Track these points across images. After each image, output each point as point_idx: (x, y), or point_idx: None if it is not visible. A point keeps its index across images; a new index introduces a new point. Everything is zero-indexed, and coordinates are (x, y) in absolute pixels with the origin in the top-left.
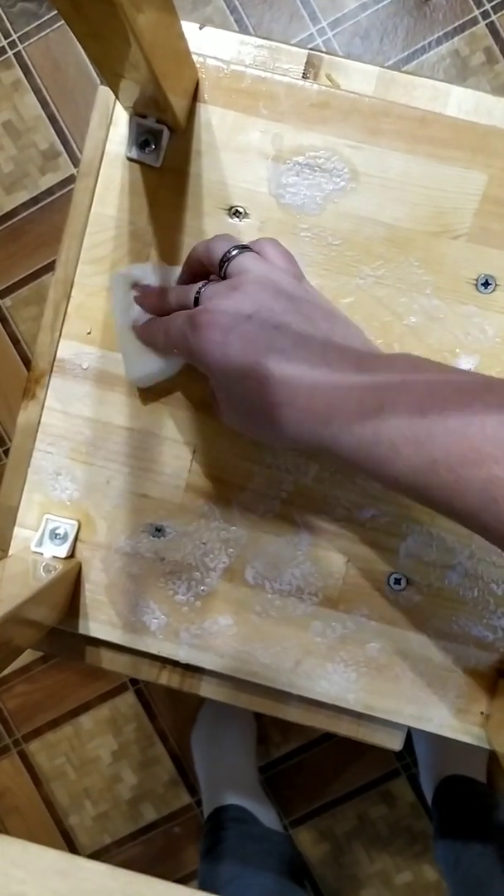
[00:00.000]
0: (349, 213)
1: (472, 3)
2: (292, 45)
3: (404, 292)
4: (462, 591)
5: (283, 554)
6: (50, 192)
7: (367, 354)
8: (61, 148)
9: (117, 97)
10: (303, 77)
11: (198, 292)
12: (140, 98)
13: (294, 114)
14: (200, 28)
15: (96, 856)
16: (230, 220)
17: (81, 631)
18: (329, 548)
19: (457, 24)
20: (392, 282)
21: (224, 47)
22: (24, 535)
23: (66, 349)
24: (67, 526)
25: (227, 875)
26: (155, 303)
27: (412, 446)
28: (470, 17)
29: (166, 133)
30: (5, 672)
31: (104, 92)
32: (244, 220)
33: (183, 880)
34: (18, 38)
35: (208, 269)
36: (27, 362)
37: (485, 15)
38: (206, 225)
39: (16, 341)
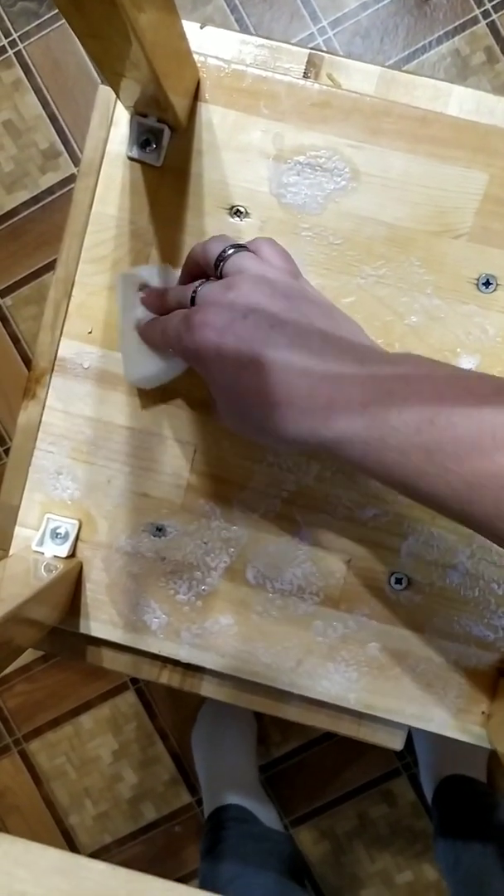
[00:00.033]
0: (350, 212)
1: (472, 2)
2: (293, 44)
3: (405, 292)
4: (463, 590)
5: (284, 553)
6: (50, 191)
7: (368, 353)
8: (62, 147)
9: (118, 96)
10: (304, 76)
11: (194, 291)
12: (141, 97)
13: (295, 113)
14: (201, 27)
15: (97, 855)
16: (231, 220)
17: (82, 630)
18: (330, 547)
19: (457, 23)
20: (393, 281)
21: (225, 47)
22: (25, 535)
23: (67, 348)
24: (68, 525)
25: (228, 874)
26: (156, 302)
27: (421, 451)
28: (470, 16)
29: (167, 132)
30: (6, 671)
31: (105, 91)
32: (245, 219)
33: (183, 879)
34: (19, 37)
35: (205, 270)
36: (27, 362)
37: (485, 14)
38: (207, 224)
39: (16, 340)
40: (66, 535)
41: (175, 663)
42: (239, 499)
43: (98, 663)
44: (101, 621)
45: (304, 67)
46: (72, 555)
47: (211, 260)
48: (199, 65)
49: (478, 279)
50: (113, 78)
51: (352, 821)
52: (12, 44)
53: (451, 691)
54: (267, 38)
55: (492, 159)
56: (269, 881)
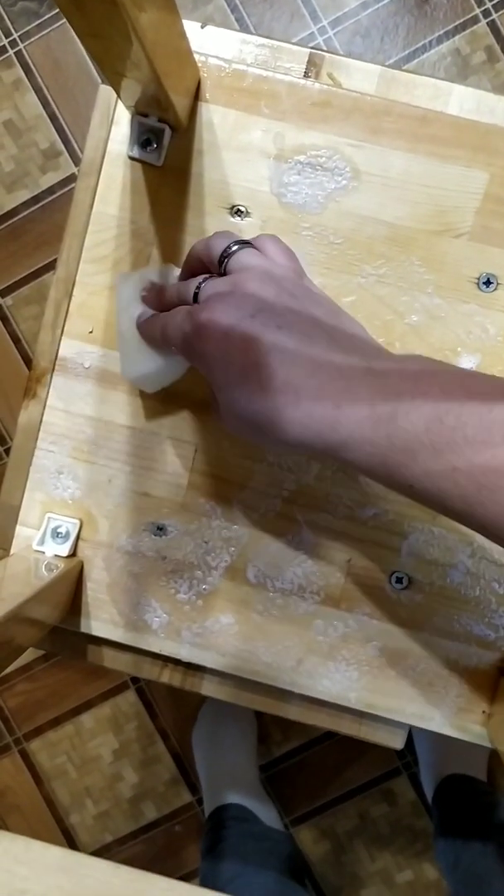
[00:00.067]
0: (351, 211)
1: (472, 1)
2: (293, 43)
3: (406, 291)
4: (464, 589)
5: (284, 552)
6: (51, 191)
7: (374, 354)
8: (62, 147)
9: (119, 96)
10: (304, 76)
11: (197, 287)
12: (142, 97)
13: (296, 113)
14: (202, 27)
15: (97, 854)
16: (232, 219)
17: (83, 629)
18: (331, 546)
19: (458, 22)
20: (394, 280)
21: (226, 46)
22: (25, 534)
23: (67, 348)
24: (69, 524)
25: (229, 874)
26: (156, 299)
27: (430, 453)
28: (471, 15)
29: (168, 132)
30: (7, 670)
31: (105, 91)
32: (246, 219)
33: (184, 879)
34: (19, 36)
35: (208, 267)
36: (28, 361)
37: (486, 13)
38: (208, 224)
39: (17, 340)
40: (67, 535)
41: (176, 662)
42: (239, 498)
43: (99, 662)
44: (101, 620)
45: (304, 67)
46: (72, 554)
47: (215, 256)
48: (199, 64)
49: (478, 278)
50: (114, 77)
51: (352, 820)
52: (13, 43)
53: (451, 690)
54: (267, 37)
55: (492, 158)
56: (270, 880)
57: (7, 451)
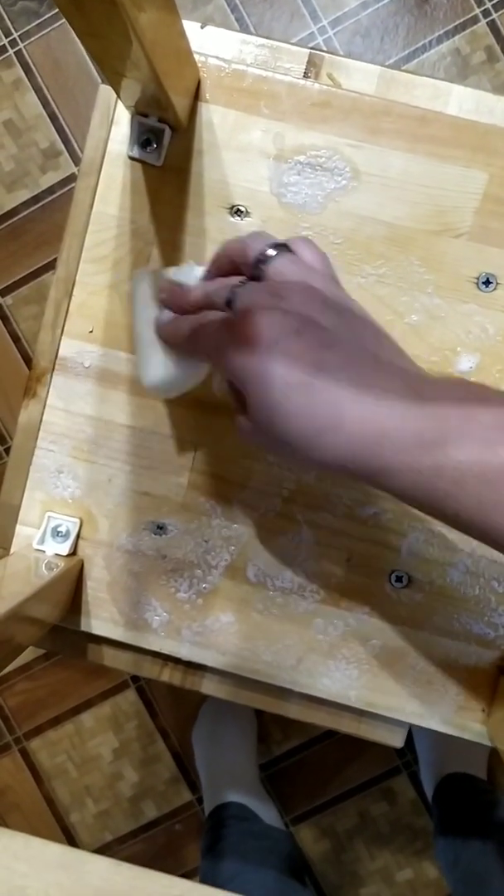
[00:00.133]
0: (350, 211)
1: (472, 1)
2: (293, 44)
3: (405, 291)
4: (463, 588)
5: (284, 551)
6: (51, 190)
7: (418, 378)
8: (62, 147)
9: (119, 96)
10: (304, 76)
11: (232, 292)
12: (142, 97)
13: (295, 113)
14: (202, 27)
15: (98, 853)
16: (231, 219)
17: (83, 628)
18: (331, 545)
19: (457, 22)
20: (393, 280)
21: (225, 46)
22: (26, 533)
23: (67, 347)
24: (69, 524)
25: (229, 872)
26: (180, 300)
27: (479, 483)
28: (471, 15)
29: (168, 132)
30: (7, 670)
31: (105, 91)
32: (245, 218)
33: (184, 877)
34: (19, 36)
35: (238, 269)
36: (28, 361)
37: (485, 13)
38: (208, 224)
39: (17, 339)
40: (67, 534)
41: (176, 661)
42: (240, 497)
43: (99, 661)
44: (102, 619)
45: (304, 67)
46: (73, 553)
47: (250, 259)
48: (199, 64)
49: (478, 278)
50: (113, 77)
51: (352, 819)
52: (13, 43)
53: (451, 689)
54: (267, 37)
55: (491, 158)
56: (270, 879)
57: (7, 451)
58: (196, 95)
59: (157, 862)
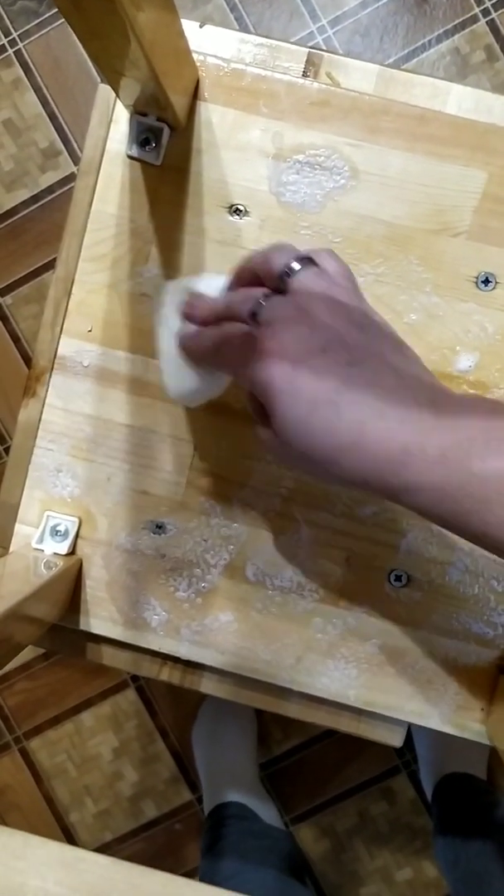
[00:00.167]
0: (349, 211)
1: (472, 0)
2: (292, 43)
3: (404, 290)
4: (462, 587)
5: (283, 551)
6: (50, 190)
7: (441, 394)
8: (61, 146)
9: (118, 95)
10: (303, 75)
11: (255, 305)
12: (140, 96)
13: (294, 112)
14: (201, 26)
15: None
16: (230, 218)
17: (82, 627)
18: (330, 544)
19: (457, 21)
20: (392, 280)
21: (224, 45)
22: (24, 532)
23: (66, 346)
24: (68, 523)
25: (228, 871)
26: (202, 313)
27: None
28: (470, 14)
29: (167, 131)
30: (6, 669)
31: (104, 90)
32: (244, 217)
33: (184, 877)
34: (18, 36)
35: (261, 280)
36: (28, 360)
37: (485, 13)
38: (207, 223)
39: (16, 339)
40: (66, 533)
41: (175, 660)
42: (239, 496)
43: (98, 660)
44: (101, 618)
45: (303, 66)
46: (71, 552)
47: (275, 272)
48: (198, 63)
49: (476, 277)
50: (112, 77)
51: (352, 818)
52: (12, 42)
53: (450, 688)
54: (266, 36)
55: (490, 157)
56: (269, 878)
57: (7, 450)
58: (195, 94)
59: (157, 861)
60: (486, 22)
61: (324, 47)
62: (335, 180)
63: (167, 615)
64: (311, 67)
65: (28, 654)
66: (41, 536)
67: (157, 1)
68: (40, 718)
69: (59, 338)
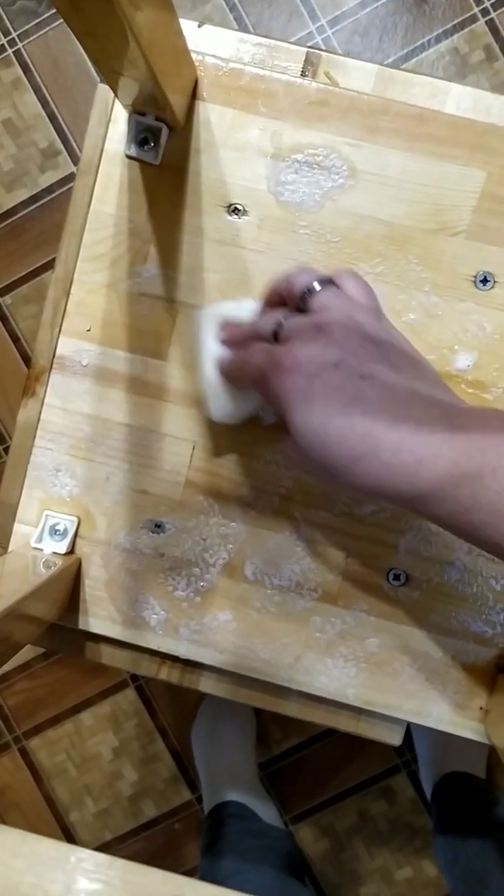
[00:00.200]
0: (348, 210)
1: (471, 0)
2: (291, 43)
3: (403, 289)
4: (461, 586)
5: (282, 550)
6: (49, 190)
7: (455, 408)
8: (61, 146)
9: (116, 95)
10: (301, 75)
11: (278, 325)
12: (139, 96)
13: (293, 111)
14: (199, 26)
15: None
16: (229, 218)
17: (81, 626)
18: (328, 543)
19: (456, 21)
20: (391, 279)
21: (223, 45)
22: (23, 532)
23: (65, 346)
24: (67, 522)
25: (228, 871)
26: (235, 337)
27: None
28: (469, 14)
29: (165, 131)
30: (6, 668)
31: (104, 90)
32: (243, 217)
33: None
34: (18, 36)
35: (287, 302)
36: (27, 360)
37: (484, 12)
38: (205, 222)
39: (16, 339)
40: (65, 532)
41: (174, 659)
42: (237, 495)
43: (97, 659)
44: (99, 618)
45: (301, 66)
46: (70, 551)
47: (296, 293)
48: (196, 63)
49: (475, 276)
50: (111, 76)
51: (351, 817)
52: (11, 42)
53: (448, 687)
54: (264, 36)
55: (489, 157)
56: (269, 877)
57: (6, 450)
58: (193, 94)
59: (156, 861)
60: (486, 22)
61: (323, 47)
62: (334, 180)
63: (166, 614)
64: (309, 67)
65: (28, 653)
66: (40, 536)
67: (156, 1)
68: (40, 718)
69: (58, 337)
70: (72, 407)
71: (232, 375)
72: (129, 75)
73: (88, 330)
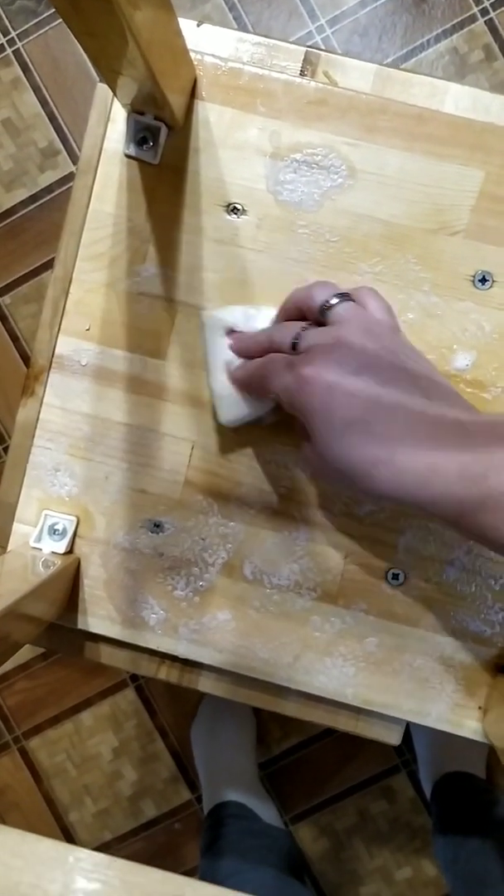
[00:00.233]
0: (347, 210)
1: (470, 0)
2: (290, 42)
3: (402, 289)
4: (460, 586)
5: (281, 549)
6: (49, 189)
7: (467, 414)
8: (60, 146)
9: (115, 94)
10: (300, 74)
11: (296, 336)
12: (138, 95)
13: (292, 111)
14: (198, 25)
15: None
16: (228, 217)
17: (80, 626)
18: (327, 543)
19: (455, 21)
20: (390, 278)
21: (222, 44)
22: (22, 531)
23: (64, 345)
24: (66, 522)
25: (227, 870)
26: (248, 347)
27: None
28: (469, 14)
29: (164, 130)
30: (5, 668)
31: (103, 89)
32: (242, 216)
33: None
34: (17, 35)
35: (305, 315)
36: (26, 360)
37: (483, 12)
38: (204, 222)
39: (15, 339)
40: (64, 532)
41: (173, 659)
42: (236, 495)
43: (96, 659)
44: (99, 617)
45: (300, 65)
46: (69, 551)
47: (315, 305)
48: (195, 62)
49: (474, 276)
50: (110, 76)
51: (351, 817)
52: (11, 42)
53: (447, 686)
54: (264, 35)
55: (488, 156)
56: (268, 877)
57: (6, 450)
58: (192, 93)
59: (156, 860)
60: (485, 21)
61: (322, 47)
62: (332, 179)
63: (165, 614)
64: (308, 66)
65: (27, 653)
66: (39, 535)
67: (154, 0)
68: (40, 718)
69: (58, 337)
70: (71, 406)
71: (246, 383)
72: (128, 75)
73: (87, 329)
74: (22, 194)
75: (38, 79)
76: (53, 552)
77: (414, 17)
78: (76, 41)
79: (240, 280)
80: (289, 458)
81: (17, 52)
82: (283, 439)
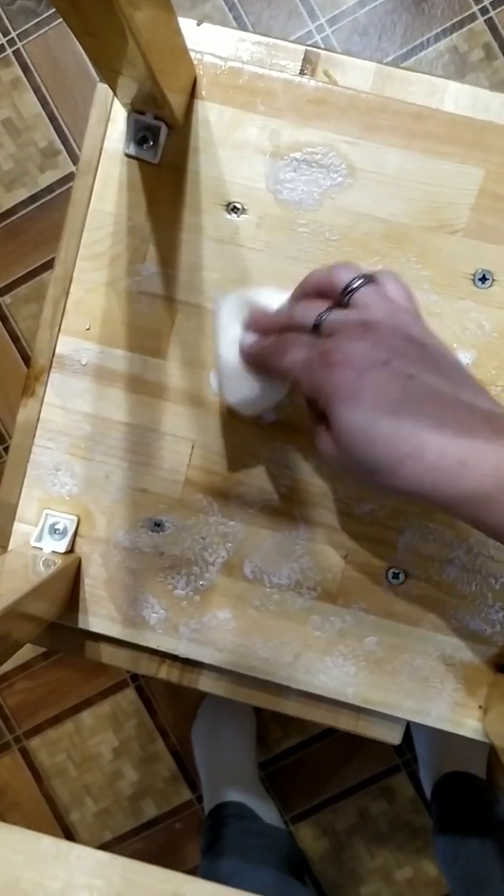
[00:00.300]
0: (346, 208)
1: None
2: (290, 41)
3: None
4: (460, 585)
5: (281, 548)
6: (49, 189)
7: (496, 411)
8: (60, 146)
9: (115, 94)
10: (300, 73)
11: (319, 317)
12: (138, 95)
13: (291, 110)
14: (198, 24)
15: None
16: (228, 216)
17: (81, 625)
18: (327, 542)
19: (455, 20)
20: None
21: (221, 44)
22: (23, 531)
23: (64, 345)
24: (67, 521)
25: (228, 870)
26: (265, 324)
27: None
28: (468, 13)
29: (164, 130)
30: (6, 668)
31: (103, 89)
32: (242, 215)
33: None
34: (17, 35)
35: (327, 295)
36: (27, 360)
37: (483, 11)
38: (204, 221)
39: (16, 339)
40: (65, 531)
41: (174, 658)
42: (236, 494)
43: (97, 658)
44: (99, 616)
45: (300, 64)
46: (70, 550)
47: (338, 287)
48: (195, 62)
49: (474, 275)
50: (110, 75)
51: (352, 817)
52: (11, 42)
53: (447, 685)
54: (263, 35)
55: (487, 155)
56: (269, 877)
57: (6, 450)
58: (192, 93)
59: (156, 860)
60: (485, 20)
61: (322, 46)
62: (332, 178)
63: (165, 613)
64: (308, 65)
65: (28, 653)
66: (40, 535)
67: (154, 0)
68: (40, 718)
69: (58, 336)
70: (71, 406)
71: (259, 361)
72: (128, 74)
73: (88, 329)
74: (22, 194)
75: (38, 79)
76: (54, 551)
77: (413, 15)
78: (76, 41)
79: (240, 279)
80: (289, 457)
81: (17, 53)
82: (283, 438)
